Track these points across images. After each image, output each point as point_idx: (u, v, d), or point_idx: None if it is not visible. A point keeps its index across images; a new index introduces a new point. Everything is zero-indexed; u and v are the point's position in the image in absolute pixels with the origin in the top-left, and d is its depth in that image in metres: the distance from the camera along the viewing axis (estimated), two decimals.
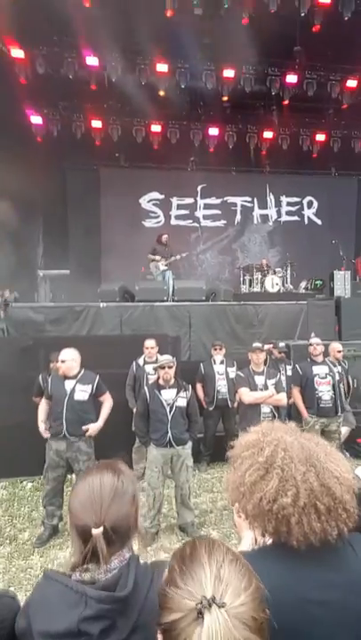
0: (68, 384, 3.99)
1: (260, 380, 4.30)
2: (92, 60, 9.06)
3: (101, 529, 0.99)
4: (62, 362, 3.99)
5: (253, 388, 4.23)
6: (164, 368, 4.03)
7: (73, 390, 3.96)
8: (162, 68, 9.41)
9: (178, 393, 4.01)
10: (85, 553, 0.99)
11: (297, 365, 5.14)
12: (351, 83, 10.08)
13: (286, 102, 10.61)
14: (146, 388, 4.24)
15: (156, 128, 11.00)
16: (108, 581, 0.97)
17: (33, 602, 1.01)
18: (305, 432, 1.10)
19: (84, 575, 0.98)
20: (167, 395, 4.00)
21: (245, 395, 4.20)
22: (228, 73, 9.69)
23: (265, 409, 4.21)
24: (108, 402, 4.17)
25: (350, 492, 0.98)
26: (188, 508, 4.04)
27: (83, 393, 3.99)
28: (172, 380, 4.04)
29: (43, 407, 4.18)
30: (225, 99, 10.45)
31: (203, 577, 0.71)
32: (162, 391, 4.01)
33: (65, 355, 4.01)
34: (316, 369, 4.92)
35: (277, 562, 0.94)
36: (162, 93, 9.91)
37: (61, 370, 4.00)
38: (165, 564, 1.14)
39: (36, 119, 10.30)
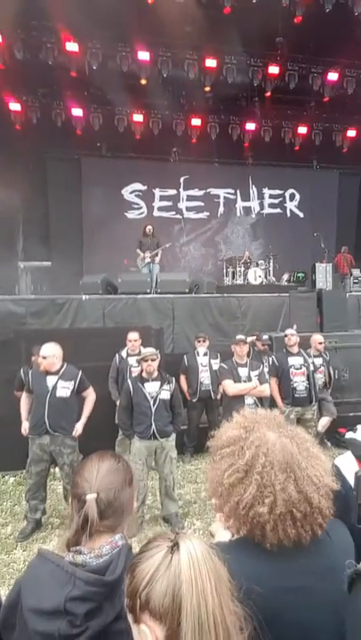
0: (50, 380, 3.91)
1: (243, 371, 4.33)
2: (72, 47, 8.84)
3: (95, 495, 1.05)
4: (43, 358, 3.89)
5: (237, 379, 4.26)
6: (147, 361, 4.01)
7: (55, 387, 3.89)
8: (143, 55, 9.26)
9: (161, 386, 4.01)
10: (78, 520, 1.04)
11: (273, 357, 5.28)
12: (332, 76, 10.13)
13: (268, 94, 10.61)
14: (129, 380, 4.23)
15: (138, 117, 10.84)
16: (99, 565, 0.99)
17: (25, 578, 1.04)
18: (287, 424, 1.10)
19: (76, 557, 1.01)
20: (151, 387, 4.00)
21: (230, 386, 4.23)
22: (211, 63, 9.59)
23: (249, 400, 4.26)
24: (90, 397, 4.12)
25: (328, 496, 0.98)
26: (172, 500, 4.07)
27: (65, 390, 3.92)
28: (156, 373, 4.04)
29: (25, 402, 4.09)
30: (207, 89, 10.38)
31: (159, 544, 0.76)
32: (145, 384, 4.00)
33: (46, 350, 3.91)
34: (291, 360, 5.08)
35: (253, 551, 0.95)
36: (144, 82, 9.77)
37: (42, 366, 3.91)
38: None
39: (15, 106, 10.01)
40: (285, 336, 5.20)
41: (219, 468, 1.04)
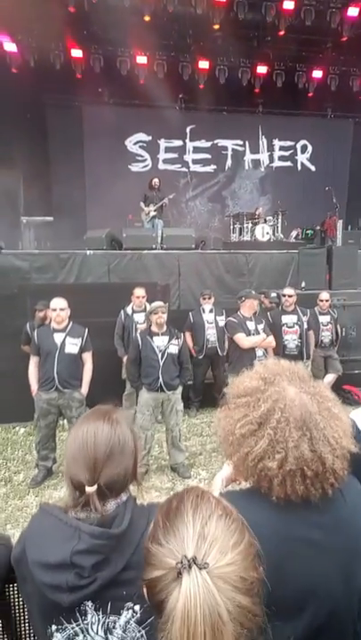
0: (58, 337, 3.91)
1: (251, 325, 4.40)
2: None
3: (95, 487, 0.98)
4: (61, 310, 3.87)
5: (247, 333, 4.31)
6: (157, 313, 4.00)
7: (63, 344, 3.89)
8: None
9: (170, 340, 4.04)
10: (78, 503, 1.00)
11: (268, 313, 5.37)
12: (353, 11, 9.32)
13: (282, 33, 9.83)
14: (138, 334, 4.25)
15: (141, 59, 10.18)
16: (104, 519, 0.98)
17: (29, 533, 1.03)
18: (311, 379, 1.05)
19: (79, 513, 1.00)
20: (159, 341, 4.03)
21: (244, 339, 4.26)
22: None
23: (259, 352, 4.34)
24: (88, 364, 4.07)
25: (344, 458, 0.96)
26: (178, 450, 4.19)
27: (73, 346, 3.93)
28: (165, 327, 4.05)
29: (33, 371, 4.00)
30: (216, 27, 9.61)
31: (185, 534, 0.67)
32: (154, 338, 4.03)
33: (61, 303, 3.90)
34: (285, 318, 5.19)
35: (260, 501, 0.95)
36: (147, 19, 9.06)
37: (59, 318, 3.88)
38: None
39: (10, 46, 9.39)
40: (283, 296, 5.23)
41: (232, 417, 1.01)
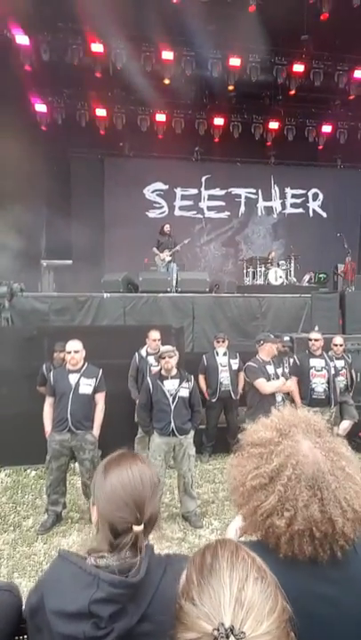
0: (73, 377, 3.98)
1: (270, 369, 4.37)
2: (97, 47, 8.96)
3: (142, 526, 0.99)
4: (75, 352, 3.97)
5: (267, 378, 4.28)
6: (164, 358, 4.04)
7: (77, 384, 3.96)
8: (167, 55, 9.31)
9: (180, 383, 4.04)
10: (120, 546, 0.99)
11: (295, 357, 5.26)
12: (359, 73, 9.96)
13: (293, 92, 10.50)
14: (149, 378, 4.26)
15: (160, 117, 10.91)
16: (122, 567, 0.97)
17: (46, 580, 1.02)
18: (328, 432, 1.02)
19: (99, 561, 0.99)
20: (170, 385, 4.03)
21: (265, 385, 4.23)
22: (235, 61, 9.57)
23: (278, 397, 4.29)
24: (100, 404, 4.08)
25: (356, 520, 0.92)
26: (190, 497, 4.08)
27: (87, 387, 3.99)
28: (175, 371, 4.06)
29: (48, 412, 4.05)
30: (231, 88, 10.34)
31: (222, 598, 0.65)
32: (164, 382, 4.03)
33: (77, 345, 4.00)
34: (313, 361, 5.06)
35: (270, 556, 0.89)
36: (167, 82, 9.82)
37: (74, 360, 3.97)
38: (179, 559, 1.14)
39: (41, 107, 10.22)
40: (310, 340, 5.15)
41: (244, 466, 1.00)
